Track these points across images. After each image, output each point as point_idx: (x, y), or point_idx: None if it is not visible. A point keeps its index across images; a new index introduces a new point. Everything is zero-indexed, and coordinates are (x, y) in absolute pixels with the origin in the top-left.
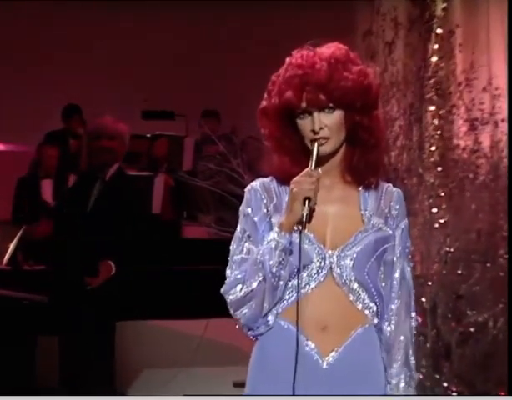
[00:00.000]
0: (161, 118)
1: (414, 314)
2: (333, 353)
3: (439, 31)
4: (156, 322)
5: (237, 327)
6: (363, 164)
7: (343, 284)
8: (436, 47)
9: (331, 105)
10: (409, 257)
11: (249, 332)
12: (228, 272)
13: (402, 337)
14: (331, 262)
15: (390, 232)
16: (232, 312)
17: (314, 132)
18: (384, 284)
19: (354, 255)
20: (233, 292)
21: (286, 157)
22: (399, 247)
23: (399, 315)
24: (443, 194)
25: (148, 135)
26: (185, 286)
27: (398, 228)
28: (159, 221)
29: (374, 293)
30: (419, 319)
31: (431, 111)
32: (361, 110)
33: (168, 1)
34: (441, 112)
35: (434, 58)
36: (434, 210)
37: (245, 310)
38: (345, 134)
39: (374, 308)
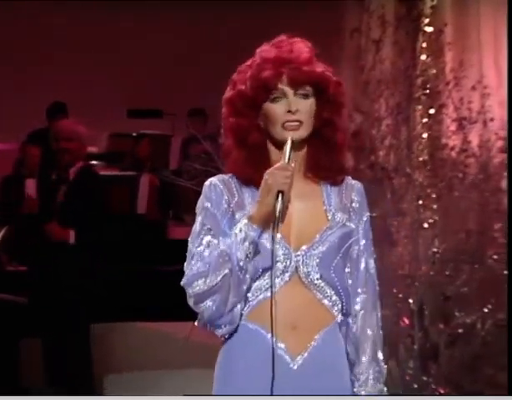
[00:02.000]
0: (147, 117)
1: (379, 308)
2: (302, 353)
3: (427, 29)
4: (141, 324)
5: (195, 323)
6: (328, 162)
7: (310, 283)
8: (424, 45)
9: (308, 88)
10: (372, 249)
11: (216, 331)
12: (186, 266)
13: (369, 332)
14: (297, 262)
15: (353, 226)
16: (192, 304)
17: (291, 113)
18: (350, 281)
19: (320, 254)
20: (195, 285)
21: (246, 151)
22: (362, 240)
23: (366, 309)
24: (432, 194)
25: (134, 134)
26: (171, 287)
27: (360, 222)
28: (145, 221)
29: (341, 290)
30: (406, 321)
31: (419, 110)
32: (332, 104)
33: (168, 1)
34: (429, 111)
35: (423, 57)
36: (423, 210)
37: (209, 303)
38: (312, 129)
39: (341, 306)
